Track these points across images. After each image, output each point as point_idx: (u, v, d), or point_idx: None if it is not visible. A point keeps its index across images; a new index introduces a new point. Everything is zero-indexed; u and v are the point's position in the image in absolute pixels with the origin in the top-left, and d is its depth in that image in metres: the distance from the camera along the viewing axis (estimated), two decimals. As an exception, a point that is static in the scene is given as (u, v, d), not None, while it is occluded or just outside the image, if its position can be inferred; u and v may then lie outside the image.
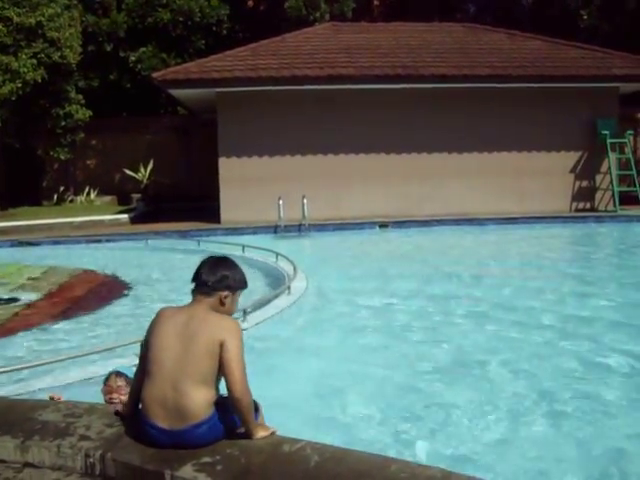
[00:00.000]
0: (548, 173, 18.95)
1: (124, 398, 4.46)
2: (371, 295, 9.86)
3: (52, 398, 4.56)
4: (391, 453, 4.25)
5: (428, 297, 9.59)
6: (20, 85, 18.81)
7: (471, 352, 6.87)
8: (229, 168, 18.34)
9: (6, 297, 10.66)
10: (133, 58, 25.33)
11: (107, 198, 24.62)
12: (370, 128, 18.45)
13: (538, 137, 18.89)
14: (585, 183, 19.37)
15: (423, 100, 18.34)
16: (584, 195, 19.39)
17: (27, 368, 5.98)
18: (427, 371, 6.32)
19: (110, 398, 4.57)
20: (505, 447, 4.70)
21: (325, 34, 21.14)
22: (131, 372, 4.80)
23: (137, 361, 5.99)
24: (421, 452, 4.58)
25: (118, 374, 4.73)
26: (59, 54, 19.80)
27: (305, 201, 16.94)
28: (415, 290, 10.14)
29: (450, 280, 10.94)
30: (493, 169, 18.90)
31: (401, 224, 17.19)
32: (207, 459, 3.31)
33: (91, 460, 3.50)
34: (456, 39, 20.56)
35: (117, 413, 3.97)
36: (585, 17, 27.30)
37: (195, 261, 11.48)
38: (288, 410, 5.02)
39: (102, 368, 5.93)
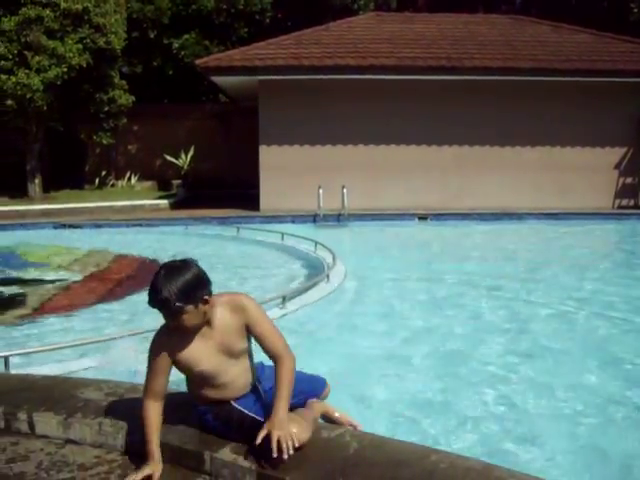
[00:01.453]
0: (591, 169, 18.67)
1: None
2: (408, 285, 9.85)
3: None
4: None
5: (473, 287, 9.53)
6: (65, 70, 19.03)
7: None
8: (269, 156, 18.39)
9: (49, 277, 10.84)
10: (176, 45, 25.51)
11: (147, 183, 24.86)
12: (412, 120, 18.36)
13: (582, 132, 18.62)
14: (629, 180, 19.04)
15: (466, 92, 18.16)
16: (628, 192, 19.06)
17: (68, 347, 6.05)
18: (473, 357, 6.30)
19: None
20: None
21: (369, 24, 21.05)
22: None
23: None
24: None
25: None
26: (104, 40, 19.99)
27: (345, 191, 16.93)
28: (459, 282, 10.06)
29: (492, 267, 10.87)
30: (535, 164, 18.69)
31: (440, 216, 17.08)
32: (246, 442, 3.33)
33: (131, 439, 3.55)
34: (501, 31, 20.32)
35: None
36: (635, 10, 26.83)
37: (235, 247, 11.57)
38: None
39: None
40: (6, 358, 5.32)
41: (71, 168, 24.29)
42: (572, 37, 19.95)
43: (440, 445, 4.35)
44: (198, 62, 18.29)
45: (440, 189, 18.46)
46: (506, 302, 8.70)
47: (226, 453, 3.24)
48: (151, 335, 3.40)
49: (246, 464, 3.16)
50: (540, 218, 17.05)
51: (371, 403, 5.26)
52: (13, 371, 5.27)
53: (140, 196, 21.65)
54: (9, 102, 18.76)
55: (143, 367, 3.47)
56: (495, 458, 3.59)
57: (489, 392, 5.47)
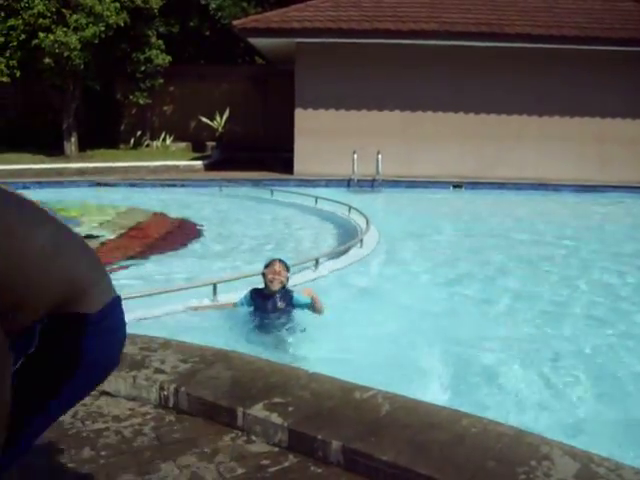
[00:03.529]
0: (632, 141, 18.27)
1: (283, 279, 5.84)
2: (442, 252, 9.81)
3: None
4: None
5: (506, 258, 9.46)
6: (103, 29, 19.00)
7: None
8: (305, 120, 18.30)
9: (85, 234, 10.96)
10: (214, 5, 25.34)
11: (182, 144, 24.89)
12: (449, 86, 18.09)
13: (623, 103, 18.18)
14: (672, 153, 18.59)
15: (505, 59, 17.83)
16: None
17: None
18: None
19: (273, 278, 5.79)
20: None
21: (408, -13, 20.70)
22: None
23: (208, 301, 6.17)
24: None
25: (280, 261, 5.93)
26: (142, -1, 19.95)
27: (380, 156, 16.81)
28: (492, 251, 10.00)
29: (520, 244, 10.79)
30: (574, 134, 18.32)
31: (475, 185, 16.91)
32: (279, 400, 3.36)
33: (165, 393, 3.59)
34: (544, -3, 19.86)
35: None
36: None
37: (268, 210, 11.60)
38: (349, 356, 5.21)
39: (174, 307, 6.05)
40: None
41: (107, 127, 24.39)
42: (617, 5, 19.40)
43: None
44: (235, 23, 18.17)
45: (476, 158, 18.21)
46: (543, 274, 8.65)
47: (259, 410, 3.27)
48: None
49: (278, 421, 3.18)
50: (578, 190, 16.76)
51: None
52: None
53: (175, 157, 21.72)
54: (47, 60, 18.81)
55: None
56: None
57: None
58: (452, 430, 3.08)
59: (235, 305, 5.98)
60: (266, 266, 5.92)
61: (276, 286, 5.79)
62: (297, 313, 5.84)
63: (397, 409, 3.28)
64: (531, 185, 16.92)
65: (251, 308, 5.88)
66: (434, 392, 4.54)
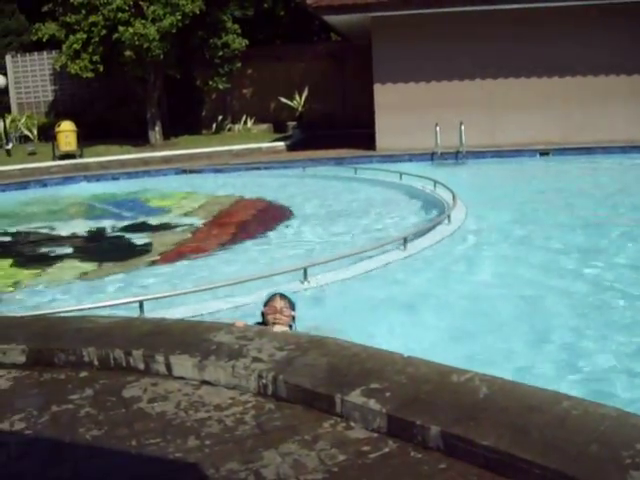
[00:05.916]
0: None
1: (286, 319, 4.83)
2: (531, 225, 9.61)
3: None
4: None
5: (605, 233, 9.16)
6: (180, 17, 19.29)
7: None
8: (384, 94, 18.14)
9: (175, 222, 11.22)
10: (287, -14, 25.35)
11: (263, 126, 25.10)
12: (531, 50, 17.53)
13: None
14: None
15: (585, 18, 17.13)
16: None
17: (194, 292, 6.24)
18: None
19: (274, 318, 4.79)
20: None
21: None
22: (295, 296, 5.11)
23: (304, 285, 6.18)
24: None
25: (282, 296, 4.94)
26: (216, -16, 20.12)
27: (462, 127, 16.52)
28: (587, 220, 9.71)
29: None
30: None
31: (563, 151, 16.42)
32: (376, 385, 3.37)
33: (264, 381, 3.65)
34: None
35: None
36: None
37: (353, 188, 11.59)
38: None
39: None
40: (141, 302, 5.57)
41: (189, 114, 24.80)
42: None
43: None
44: (309, 2, 18.08)
45: (562, 123, 17.65)
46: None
47: (357, 396, 3.29)
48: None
49: (377, 407, 3.20)
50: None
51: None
52: (147, 314, 5.51)
53: (257, 139, 21.91)
54: (128, 53, 19.26)
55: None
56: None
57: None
58: (552, 412, 3.02)
59: None
60: (265, 303, 4.95)
61: (280, 330, 4.60)
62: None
63: (495, 392, 3.24)
64: (621, 148, 16.31)
65: None
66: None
